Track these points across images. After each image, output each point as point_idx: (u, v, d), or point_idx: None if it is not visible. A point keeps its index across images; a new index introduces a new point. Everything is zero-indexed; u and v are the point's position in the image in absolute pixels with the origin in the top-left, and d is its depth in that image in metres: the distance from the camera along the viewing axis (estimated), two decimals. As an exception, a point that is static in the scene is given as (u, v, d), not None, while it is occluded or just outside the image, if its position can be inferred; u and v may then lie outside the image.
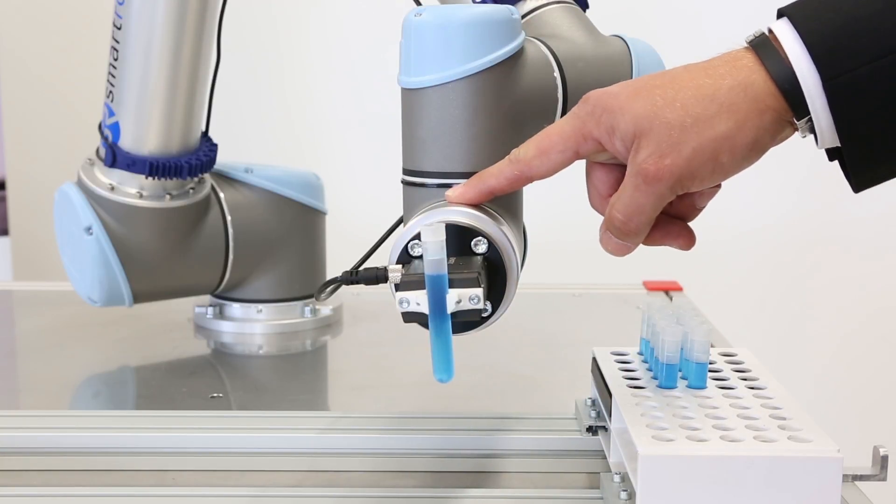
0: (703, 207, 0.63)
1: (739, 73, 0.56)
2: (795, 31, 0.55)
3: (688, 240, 0.63)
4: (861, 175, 0.57)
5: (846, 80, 0.54)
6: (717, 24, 1.78)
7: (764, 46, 0.56)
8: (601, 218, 0.61)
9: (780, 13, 0.57)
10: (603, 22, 0.75)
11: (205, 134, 1.01)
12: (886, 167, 0.57)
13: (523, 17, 0.74)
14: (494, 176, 0.61)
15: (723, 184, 0.59)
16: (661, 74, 0.59)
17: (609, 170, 0.61)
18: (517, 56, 0.64)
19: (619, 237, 0.59)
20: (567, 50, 0.69)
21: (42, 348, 1.02)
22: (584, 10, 0.76)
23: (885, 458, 0.62)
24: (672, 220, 0.62)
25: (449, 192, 0.62)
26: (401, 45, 0.64)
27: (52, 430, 0.74)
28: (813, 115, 0.55)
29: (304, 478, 0.69)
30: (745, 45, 0.58)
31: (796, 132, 0.57)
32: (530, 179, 0.61)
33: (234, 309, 1.06)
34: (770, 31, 0.57)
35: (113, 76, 0.94)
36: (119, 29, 0.92)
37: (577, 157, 0.59)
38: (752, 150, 0.57)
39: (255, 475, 0.70)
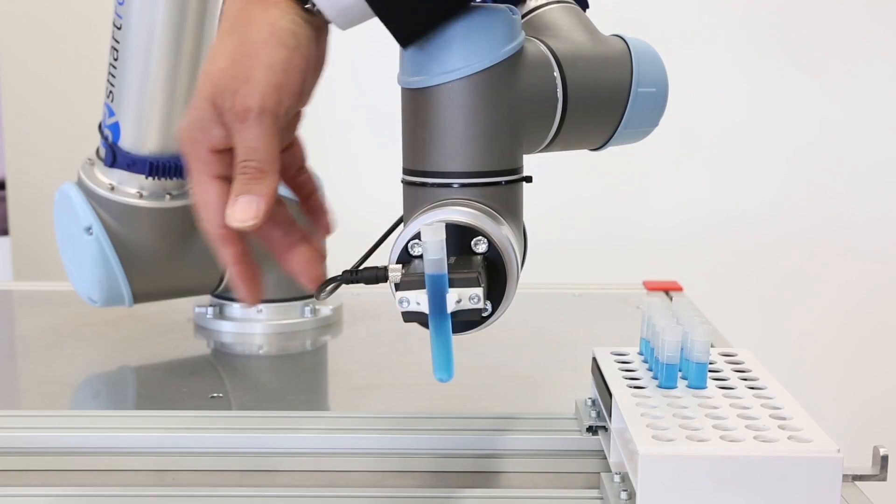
0: (300, 162, 0.65)
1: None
2: None
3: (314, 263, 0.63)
4: (401, 31, 0.59)
5: None
6: (717, 25, 1.78)
7: None
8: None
9: None
10: (603, 22, 0.75)
11: (205, 134, 1.01)
12: (421, 18, 0.59)
13: (523, 16, 0.74)
14: None
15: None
16: None
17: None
18: (517, 56, 0.64)
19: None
20: (567, 49, 0.69)
21: (42, 348, 1.02)
22: (584, 10, 0.76)
23: (885, 458, 0.62)
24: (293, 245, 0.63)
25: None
26: (401, 44, 0.64)
27: (52, 430, 0.74)
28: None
29: (304, 478, 0.69)
30: None
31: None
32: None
33: (234, 309, 1.06)
34: None
35: (113, 76, 0.94)
36: (119, 29, 0.92)
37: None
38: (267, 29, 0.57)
39: (255, 475, 0.70)
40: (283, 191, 0.65)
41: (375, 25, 0.59)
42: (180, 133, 0.60)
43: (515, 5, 0.72)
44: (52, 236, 1.01)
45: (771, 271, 1.81)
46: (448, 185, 0.63)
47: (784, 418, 0.61)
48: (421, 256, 0.57)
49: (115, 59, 0.93)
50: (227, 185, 0.59)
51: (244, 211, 0.58)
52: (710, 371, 0.68)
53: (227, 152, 0.59)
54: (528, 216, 0.69)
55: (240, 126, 0.57)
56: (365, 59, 1.75)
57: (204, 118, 0.58)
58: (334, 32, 0.61)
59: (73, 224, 0.96)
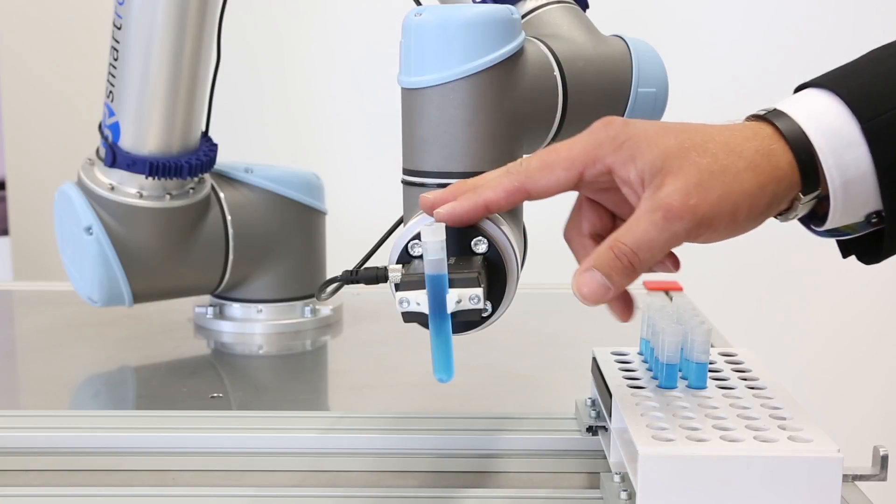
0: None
1: (761, 140, 0.57)
2: (825, 90, 0.57)
3: (675, 264, 0.63)
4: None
5: (887, 119, 0.55)
6: (716, 25, 1.78)
7: (779, 117, 0.58)
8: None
9: (798, 88, 0.60)
10: (603, 22, 0.75)
11: (205, 134, 1.01)
12: None
13: (523, 16, 0.74)
14: (491, 188, 0.58)
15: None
16: (686, 123, 0.59)
17: (598, 210, 0.62)
18: (517, 56, 0.64)
19: (615, 274, 0.55)
20: (567, 50, 0.69)
21: (42, 348, 1.02)
22: (584, 10, 0.76)
23: (885, 458, 0.62)
24: None
25: (438, 209, 0.58)
26: (401, 44, 0.64)
27: (52, 430, 0.74)
28: (829, 181, 0.57)
29: (304, 478, 0.69)
30: (759, 116, 0.59)
31: (790, 212, 0.59)
32: (528, 195, 0.58)
33: (234, 309, 1.06)
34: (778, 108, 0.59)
35: (113, 76, 0.94)
36: (119, 29, 0.92)
37: (581, 180, 0.57)
38: (763, 214, 0.57)
39: (255, 475, 0.70)
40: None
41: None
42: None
43: (515, 5, 0.72)
44: (52, 236, 1.01)
45: (771, 271, 1.81)
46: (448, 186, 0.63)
47: (784, 418, 0.61)
48: (421, 256, 0.57)
49: (115, 59, 0.93)
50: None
51: (598, 290, 0.56)
52: (710, 371, 0.68)
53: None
54: (527, 216, 0.69)
55: (661, 218, 0.55)
56: (363, 59, 1.75)
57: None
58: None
59: (73, 224, 0.96)
